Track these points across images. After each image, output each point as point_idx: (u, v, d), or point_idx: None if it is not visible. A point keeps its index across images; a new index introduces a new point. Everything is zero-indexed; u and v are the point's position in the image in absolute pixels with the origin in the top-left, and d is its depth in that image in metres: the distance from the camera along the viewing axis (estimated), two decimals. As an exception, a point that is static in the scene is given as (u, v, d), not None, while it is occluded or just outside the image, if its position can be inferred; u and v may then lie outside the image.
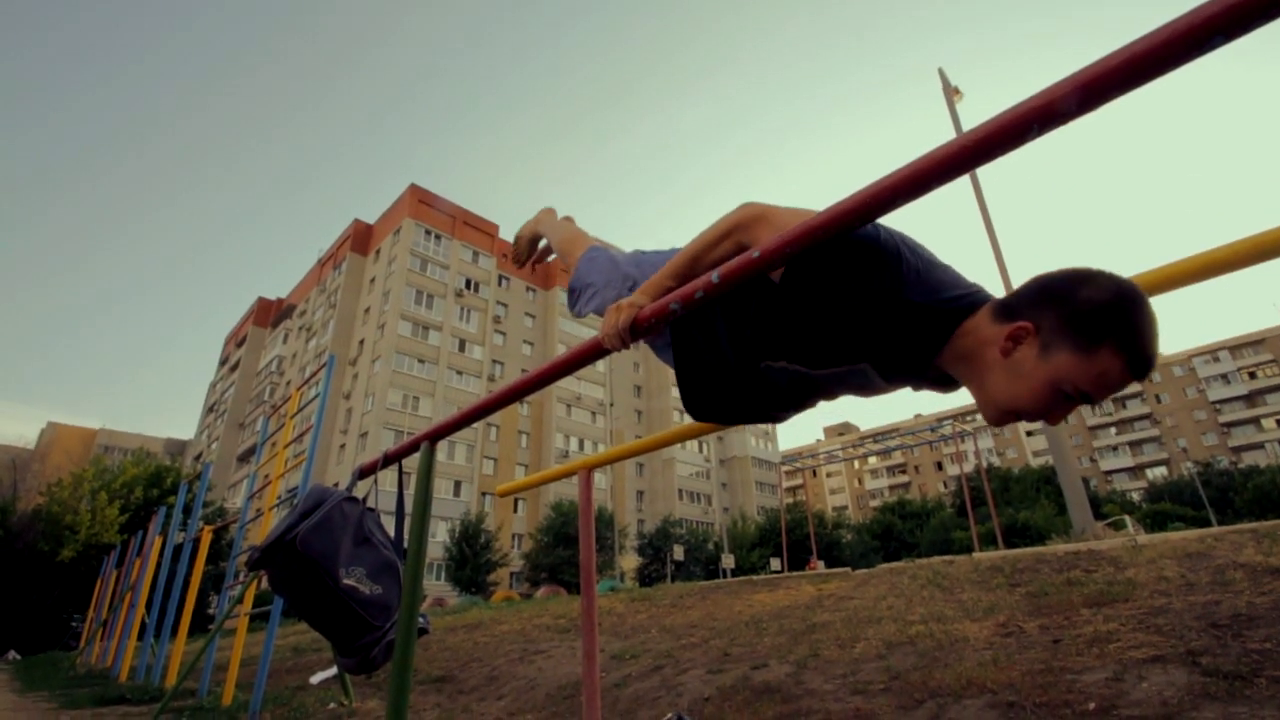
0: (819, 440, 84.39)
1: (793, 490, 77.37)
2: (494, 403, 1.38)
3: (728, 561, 26.04)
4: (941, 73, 8.67)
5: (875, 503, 69.65)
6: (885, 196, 0.78)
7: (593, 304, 1.51)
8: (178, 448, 67.76)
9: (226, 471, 49.71)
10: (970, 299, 0.97)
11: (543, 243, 1.97)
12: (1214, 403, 59.39)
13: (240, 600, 4.72)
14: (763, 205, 1.05)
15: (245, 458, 48.77)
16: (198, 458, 57.38)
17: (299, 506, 1.59)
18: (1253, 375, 58.21)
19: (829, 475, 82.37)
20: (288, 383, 48.43)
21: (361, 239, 47.52)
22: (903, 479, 76.23)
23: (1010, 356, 0.92)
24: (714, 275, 0.95)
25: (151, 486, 24.65)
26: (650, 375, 56.75)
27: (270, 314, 58.01)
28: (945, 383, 1.05)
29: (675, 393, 55.66)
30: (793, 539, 31.41)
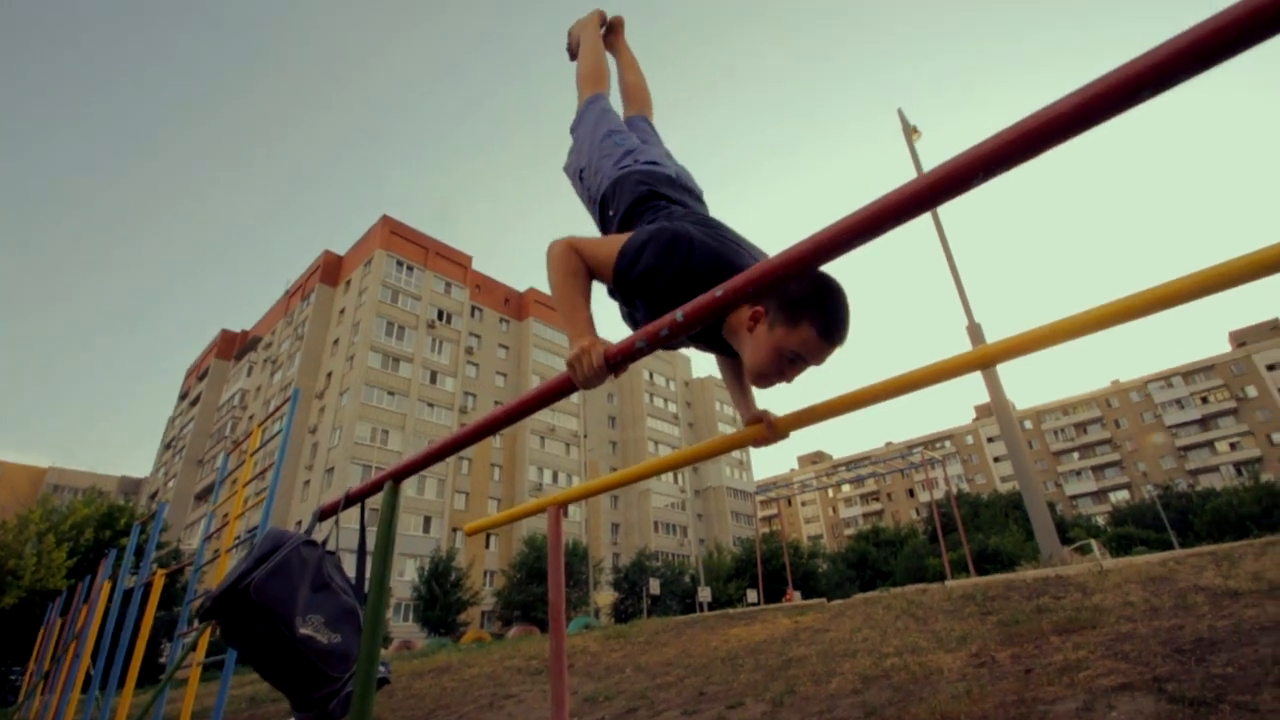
0: (793, 470, 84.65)
1: (768, 520, 77.21)
2: (461, 440, 1.36)
3: (704, 594, 25.69)
4: (900, 113, 9.03)
5: (850, 531, 69.81)
6: (842, 239, 0.79)
7: (569, 160, 1.93)
8: (132, 486, 64.93)
9: (183, 511, 47.73)
10: None
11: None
12: (1170, 427, 61.38)
13: (193, 648, 4.48)
14: (563, 239, 1.35)
15: (204, 496, 46.95)
16: (153, 496, 55.04)
17: (254, 551, 1.53)
18: (1205, 400, 60.43)
19: (804, 504, 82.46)
20: (250, 417, 47.03)
21: (331, 270, 46.92)
22: (876, 506, 76.67)
23: (753, 332, 1.26)
24: (679, 314, 0.97)
25: (103, 528, 23.47)
26: (624, 405, 56.59)
27: (234, 346, 56.53)
28: (731, 351, 1.45)
29: (650, 422, 55.58)
30: (769, 569, 31.19)
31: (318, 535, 1.66)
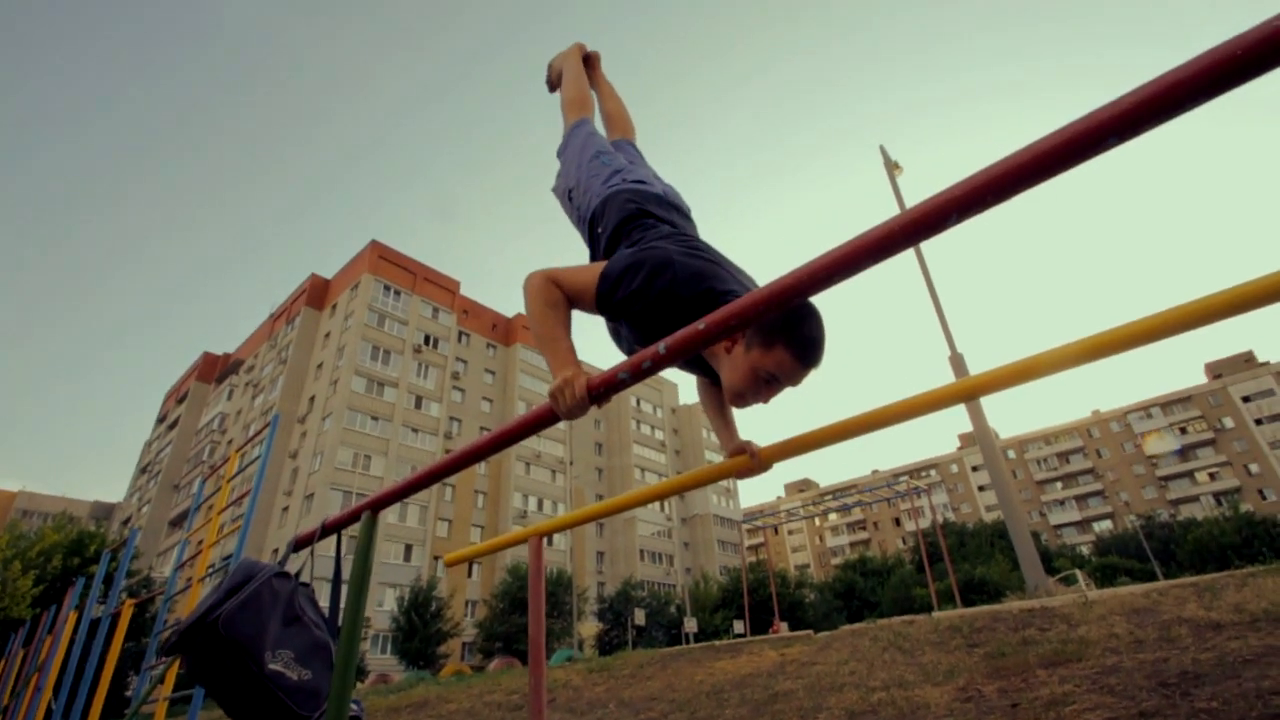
0: (779, 497, 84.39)
1: (755, 549, 76.61)
2: (440, 470, 1.34)
3: (690, 625, 25.31)
4: (882, 149, 9.27)
5: (837, 560, 69.42)
6: (821, 275, 0.81)
7: (558, 182, 1.98)
8: (105, 511, 63.18)
9: (157, 538, 46.46)
10: None
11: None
12: (1150, 457, 62.09)
13: (160, 681, 4.32)
14: (539, 272, 1.37)
15: (179, 522, 45.78)
16: (126, 522, 53.60)
17: (224, 583, 1.49)
18: (1183, 431, 61.31)
19: (790, 533, 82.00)
20: (229, 441, 46.18)
21: (318, 294, 46.70)
22: (863, 535, 76.41)
23: (730, 353, 1.31)
24: (661, 347, 0.97)
25: (72, 555, 22.74)
26: (611, 432, 56.31)
27: (215, 369, 55.76)
28: (713, 372, 1.50)
29: (637, 449, 55.28)
30: (756, 600, 30.84)
31: (292, 566, 1.62)
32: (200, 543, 5.45)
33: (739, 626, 26.06)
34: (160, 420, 60.43)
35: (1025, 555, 7.93)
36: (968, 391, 1.21)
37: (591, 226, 1.69)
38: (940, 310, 8.68)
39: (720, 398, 1.69)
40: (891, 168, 9.08)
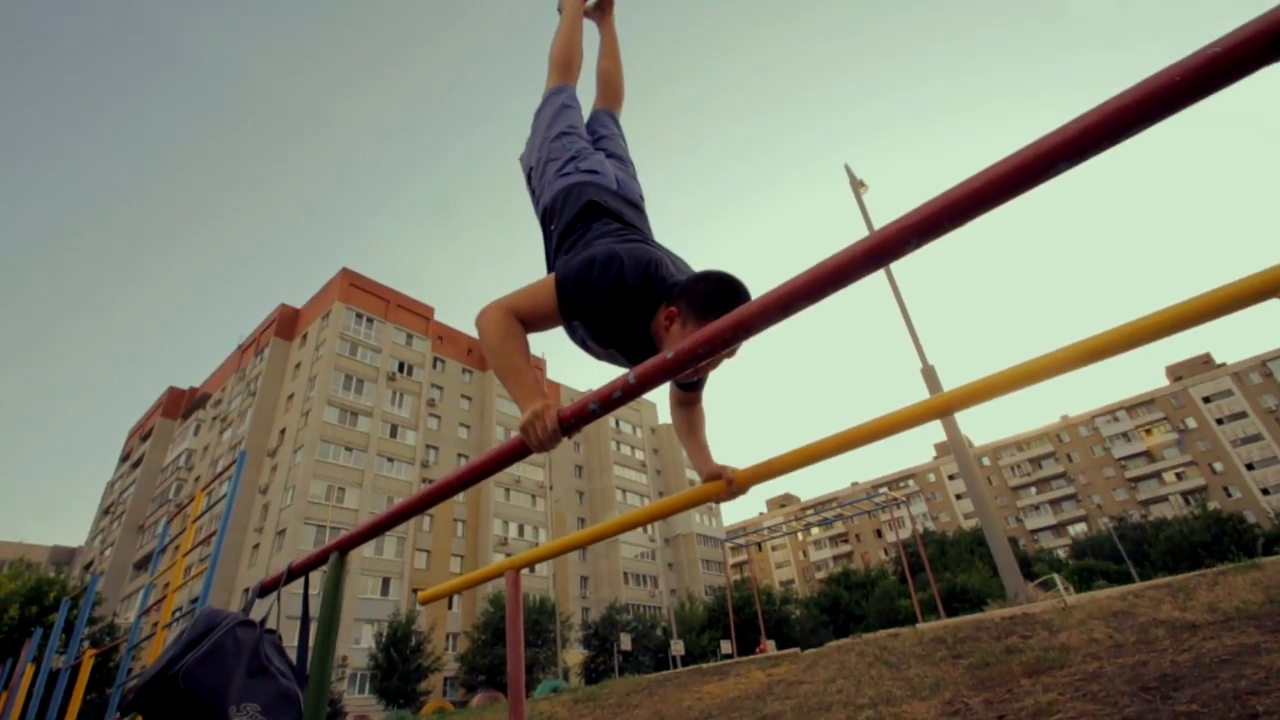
0: (761, 513, 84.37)
1: (739, 567, 76.29)
2: (410, 507, 1.31)
3: (677, 648, 24.99)
4: (848, 168, 9.48)
5: (821, 574, 69.37)
6: (787, 301, 0.81)
7: (524, 151, 2.01)
8: (65, 556, 60.59)
9: (120, 582, 44.62)
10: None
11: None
12: (1119, 459, 63.58)
13: (121, 739, 4.12)
14: (492, 304, 1.38)
15: (143, 565, 44.06)
16: (88, 567, 51.38)
17: (184, 634, 1.42)
18: (1149, 432, 62.98)
19: (774, 549, 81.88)
20: (196, 478, 44.77)
21: (287, 324, 45.85)
22: (845, 548, 76.60)
23: (669, 330, 1.36)
24: (630, 376, 0.96)
25: (30, 603, 21.71)
26: (591, 454, 55.91)
27: (181, 405, 54.19)
28: (686, 386, 1.62)
29: (617, 471, 54.91)
30: (741, 618, 30.61)
31: (258, 612, 1.56)
32: (166, 586, 5.24)
33: (726, 647, 25.82)
34: (124, 459, 58.39)
35: (1004, 562, 8.01)
36: (942, 408, 1.22)
37: (545, 222, 1.74)
38: (910, 323, 8.83)
39: (691, 422, 1.70)
40: (857, 186, 9.29)
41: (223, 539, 4.94)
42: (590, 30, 2.45)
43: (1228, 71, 0.56)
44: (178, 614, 5.18)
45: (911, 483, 75.58)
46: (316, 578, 1.60)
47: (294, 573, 1.58)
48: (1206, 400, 59.97)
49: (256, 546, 35.33)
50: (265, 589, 1.65)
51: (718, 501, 1.53)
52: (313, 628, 1.53)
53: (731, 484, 1.46)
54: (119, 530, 47.87)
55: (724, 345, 0.87)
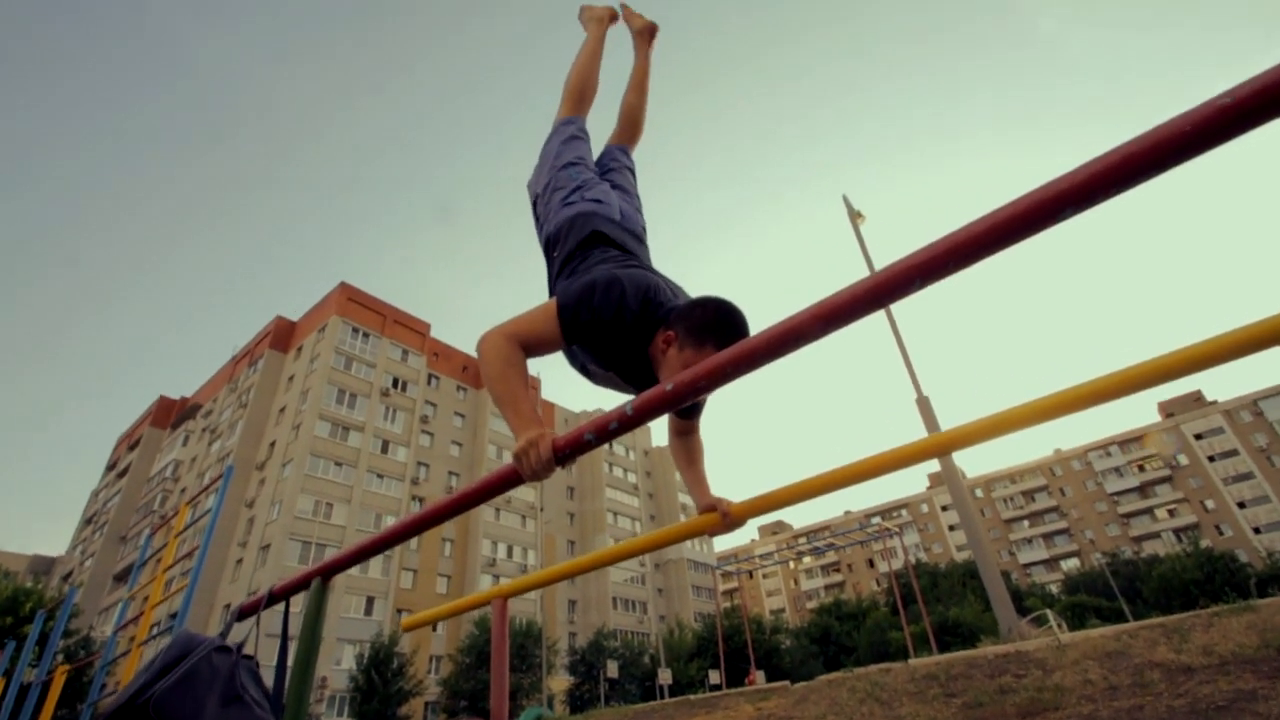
0: (753, 540, 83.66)
1: (730, 594, 75.42)
2: (396, 535, 1.28)
3: (664, 677, 24.55)
4: (845, 199, 9.60)
5: (812, 604, 68.64)
6: (790, 337, 0.80)
7: (531, 178, 2.03)
8: (45, 566, 59.45)
9: (100, 594, 43.75)
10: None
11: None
12: (1111, 495, 63.51)
13: (89, 762, 3.99)
14: (494, 330, 1.37)
15: (124, 577, 43.23)
16: (67, 577, 50.40)
17: (158, 660, 1.37)
18: (1141, 468, 63.04)
19: (765, 576, 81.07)
20: (183, 490, 44.18)
21: (283, 336, 45.72)
22: (837, 578, 75.90)
23: (666, 355, 1.37)
24: (628, 408, 0.95)
25: (6, 614, 21.22)
26: (583, 475, 55.53)
27: (171, 414, 53.72)
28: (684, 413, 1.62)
29: (609, 493, 54.51)
30: (731, 647, 30.17)
31: (236, 635, 1.51)
32: (145, 600, 5.12)
33: (714, 677, 25.38)
34: (110, 468, 57.66)
35: (997, 597, 7.93)
36: (938, 447, 1.21)
37: (548, 248, 1.76)
38: (905, 353, 8.86)
39: (689, 452, 1.70)
40: (854, 217, 9.39)
41: (205, 554, 4.85)
42: (618, 57, 2.41)
43: (1238, 122, 0.56)
44: (155, 630, 5.04)
45: (904, 513, 75.23)
46: (298, 601, 1.56)
47: (275, 596, 1.54)
48: (1198, 437, 60.18)
49: (240, 561, 34.73)
50: (244, 612, 1.61)
51: (712, 535, 1.51)
52: (293, 647, 1.48)
53: (727, 517, 1.44)
54: (101, 541, 47.09)
55: (724, 380, 0.86)
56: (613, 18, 2.32)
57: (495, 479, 1.12)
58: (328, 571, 1.36)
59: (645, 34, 2.29)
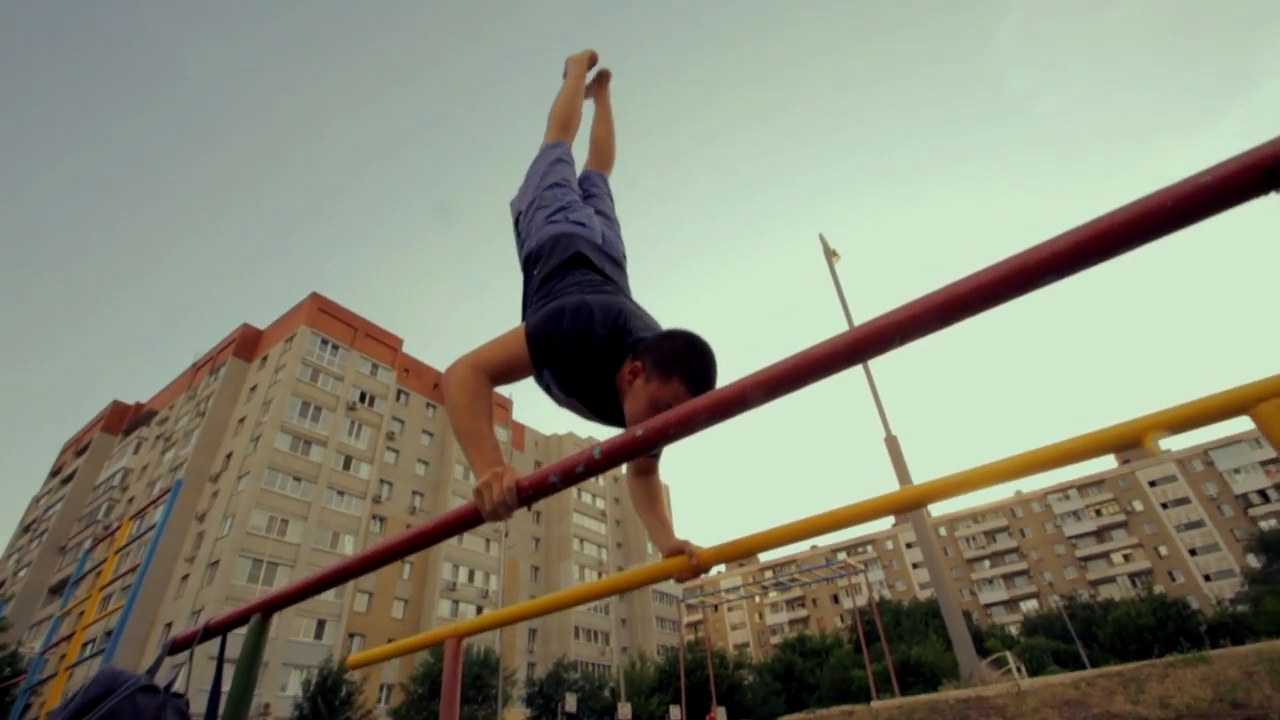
0: (719, 572, 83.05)
1: (694, 626, 74.48)
2: (346, 570, 1.21)
3: (624, 711, 24.00)
4: (821, 238, 9.79)
5: (776, 638, 68.14)
6: (771, 385, 0.77)
7: (516, 197, 2.06)
8: (-29, 576, 56.07)
9: (33, 606, 41.36)
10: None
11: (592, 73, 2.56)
12: (1069, 538, 64.76)
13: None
14: (462, 360, 1.34)
15: (60, 589, 41.00)
16: (-4, 589, 47.58)
17: (77, 697, 1.27)
18: (1099, 512, 64.52)
19: (730, 609, 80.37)
20: (130, 500, 42.36)
21: (248, 344, 44.55)
22: (802, 613, 75.62)
23: (632, 385, 1.36)
24: (596, 451, 0.91)
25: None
26: (550, 500, 54.70)
27: (124, 420, 51.72)
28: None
29: (576, 519, 53.80)
30: (693, 682, 29.64)
31: (166, 672, 1.41)
32: (82, 614, 4.82)
33: (675, 713, 24.89)
34: (54, 473, 55.06)
35: (959, 639, 7.95)
36: (908, 501, 1.19)
37: (528, 265, 1.77)
38: (875, 392, 8.97)
39: (650, 493, 1.69)
40: (830, 255, 9.56)
41: (146, 572, 4.61)
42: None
43: (1217, 200, 0.57)
44: (88, 650, 4.74)
45: (870, 549, 75.58)
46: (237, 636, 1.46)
47: (210, 631, 1.44)
48: (1152, 484, 61.94)
49: (186, 578, 33.18)
50: (176, 646, 1.50)
51: (680, 579, 1.47)
52: (222, 702, 1.38)
53: (694, 559, 1.41)
54: (38, 550, 44.70)
55: (697, 428, 0.83)
56: (592, 59, 2.50)
57: (454, 517, 1.07)
58: (268, 607, 1.28)
59: (604, 79, 2.55)
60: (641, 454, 0.90)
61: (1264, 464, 57.15)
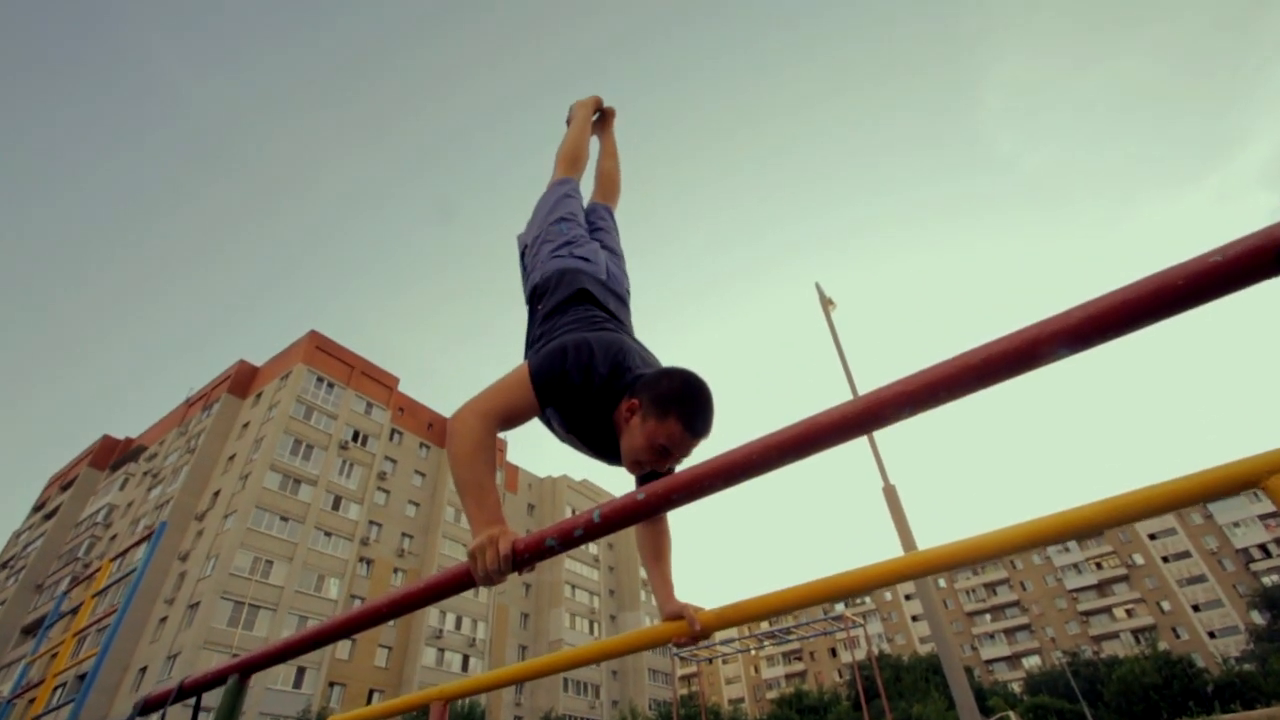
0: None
1: (688, 679, 72.10)
2: (329, 631, 1.15)
3: (613, 769, 22.94)
4: (818, 286, 9.88)
5: (772, 693, 65.96)
6: (772, 454, 0.76)
7: (523, 231, 2.09)
8: (-59, 615, 54.21)
9: (4, 647, 39.90)
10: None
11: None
12: (1071, 591, 63.50)
13: None
14: (467, 407, 1.31)
15: (33, 630, 39.63)
16: (-35, 629, 45.94)
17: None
18: (1099, 566, 63.47)
19: (725, 662, 77.97)
20: (113, 537, 41.40)
21: (243, 381, 44.32)
22: (799, 666, 73.39)
23: (629, 423, 1.36)
24: (595, 515, 0.89)
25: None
26: (542, 544, 53.62)
27: (112, 455, 50.98)
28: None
29: (569, 564, 52.66)
30: (685, 739, 28.48)
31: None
32: (54, 657, 4.63)
33: (666, 771, 23.78)
34: (37, 509, 53.92)
35: (962, 701, 7.67)
36: (916, 568, 1.16)
37: (533, 299, 1.78)
38: (874, 444, 8.90)
39: (657, 543, 1.64)
40: (826, 304, 9.64)
41: (123, 617, 4.46)
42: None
43: (1228, 281, 0.57)
44: (58, 698, 4.55)
45: (868, 599, 73.93)
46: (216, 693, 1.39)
47: (185, 690, 1.37)
48: (1152, 537, 61.17)
49: (164, 620, 32.14)
50: (148, 706, 1.43)
51: (679, 645, 1.41)
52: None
53: (694, 625, 1.35)
54: (14, 588, 43.37)
55: (702, 493, 0.81)
56: (598, 104, 2.61)
57: (443, 580, 1.03)
58: (247, 668, 1.22)
59: (608, 117, 2.68)
60: (643, 519, 0.88)
61: (1263, 518, 56.63)
